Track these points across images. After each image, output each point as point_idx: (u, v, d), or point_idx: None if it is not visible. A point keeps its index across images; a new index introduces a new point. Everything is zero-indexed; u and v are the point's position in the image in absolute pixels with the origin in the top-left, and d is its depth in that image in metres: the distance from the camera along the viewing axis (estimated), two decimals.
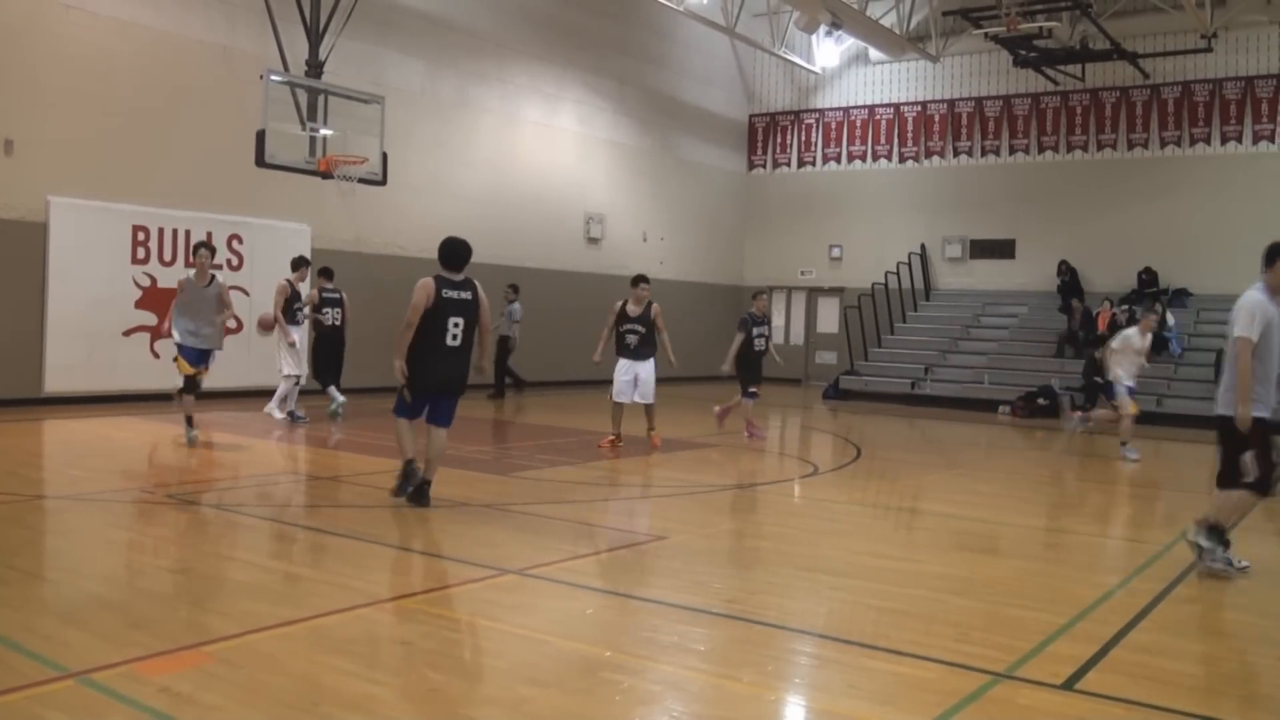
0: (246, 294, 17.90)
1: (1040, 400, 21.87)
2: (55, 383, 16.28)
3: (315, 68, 16.53)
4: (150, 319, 17.24)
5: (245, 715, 4.59)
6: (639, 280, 14.23)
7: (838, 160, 29.71)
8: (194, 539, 8.56)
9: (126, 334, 17.07)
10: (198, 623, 5.93)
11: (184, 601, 6.41)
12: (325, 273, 15.89)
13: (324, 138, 16.19)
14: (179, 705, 4.63)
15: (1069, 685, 5.27)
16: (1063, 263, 25.36)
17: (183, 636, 5.62)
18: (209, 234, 17.59)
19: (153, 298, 17.24)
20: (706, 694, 5.18)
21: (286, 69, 16.20)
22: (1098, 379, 21.15)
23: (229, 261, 17.95)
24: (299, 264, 15.79)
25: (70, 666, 5.05)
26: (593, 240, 25.66)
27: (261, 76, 15.39)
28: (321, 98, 16.25)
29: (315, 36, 16.66)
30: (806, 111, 30.30)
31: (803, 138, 30.35)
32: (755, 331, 15.58)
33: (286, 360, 15.35)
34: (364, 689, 4.97)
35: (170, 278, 17.30)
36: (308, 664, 5.28)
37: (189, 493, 10.14)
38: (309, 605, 6.38)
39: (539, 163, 24.26)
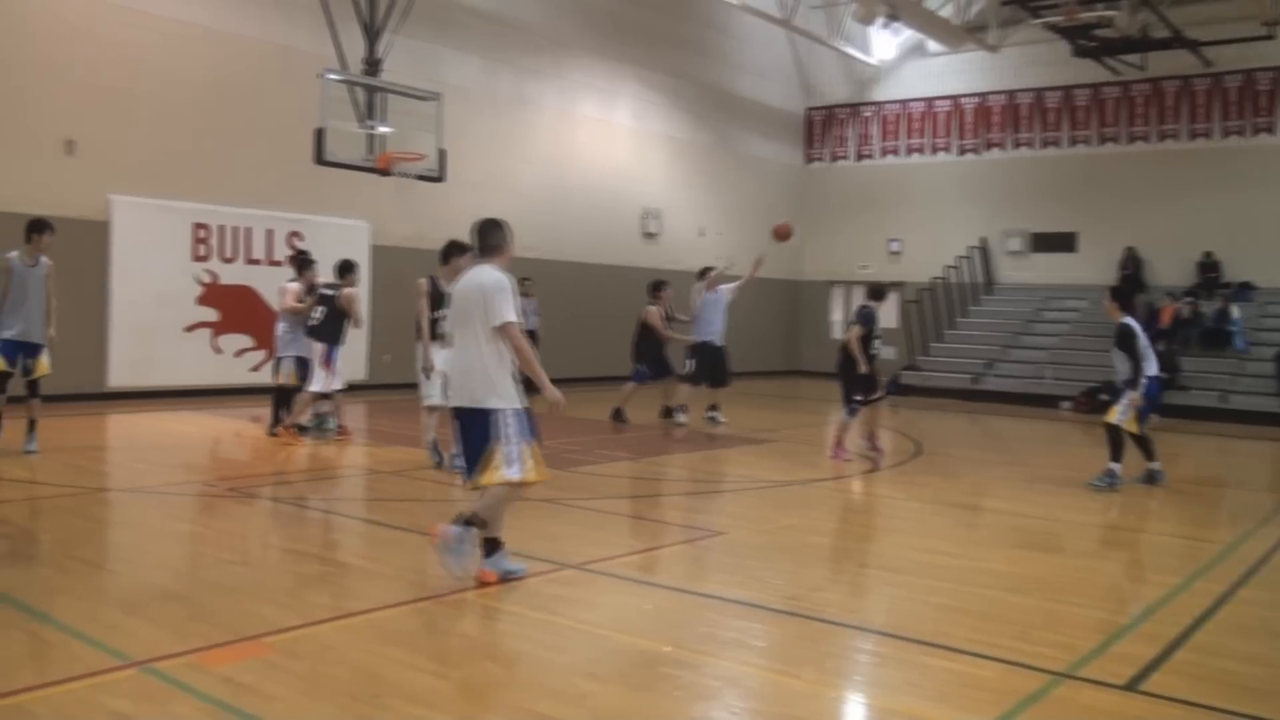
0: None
1: (1102, 396, 21.51)
2: (118, 378, 16.49)
3: (373, 66, 16.63)
4: (211, 315, 17.44)
5: (306, 705, 4.62)
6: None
7: (896, 153, 29.46)
8: (255, 532, 8.66)
9: (188, 330, 17.26)
10: (259, 614, 5.97)
11: (245, 593, 6.46)
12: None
13: (382, 135, 16.28)
14: (241, 695, 4.67)
15: (1132, 686, 5.18)
16: (1127, 254, 25.05)
17: (244, 627, 5.67)
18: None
19: (214, 294, 17.44)
20: (765, 690, 5.15)
21: (344, 67, 16.30)
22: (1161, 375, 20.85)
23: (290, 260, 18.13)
24: (349, 269, 13.66)
25: (133, 656, 5.11)
26: (649, 235, 25.63)
27: (319, 75, 15.50)
28: (379, 95, 16.35)
29: (372, 35, 16.77)
30: (864, 104, 30.08)
31: (861, 131, 30.14)
32: (876, 330, 12.77)
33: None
34: (424, 681, 4.99)
35: (231, 274, 17.55)
36: (368, 655, 5.31)
37: (250, 486, 10.24)
38: (369, 598, 6.42)
39: (595, 158, 24.28)
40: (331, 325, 12.86)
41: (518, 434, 6.59)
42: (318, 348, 12.85)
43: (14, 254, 11.06)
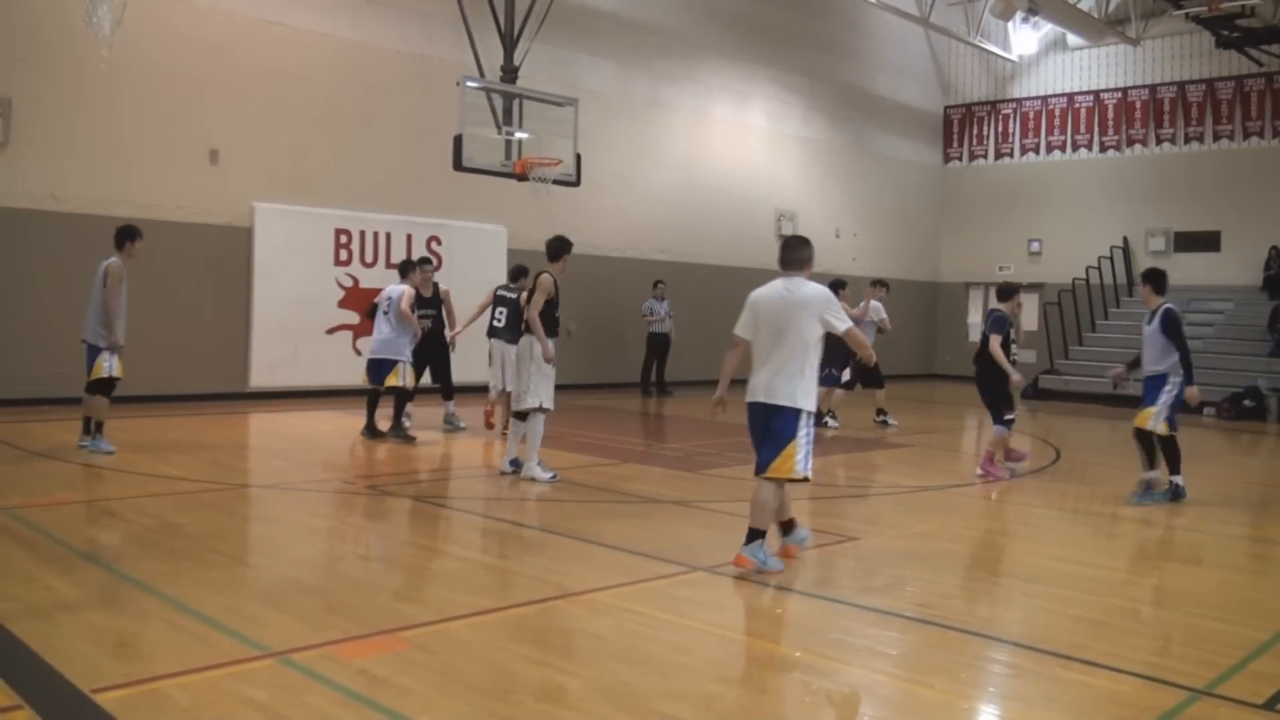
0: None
1: (1246, 402, 20.79)
2: (260, 378, 16.98)
3: (510, 73, 16.84)
4: (352, 318, 17.83)
5: (439, 700, 4.67)
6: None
7: (1036, 151, 28.82)
8: (392, 529, 8.81)
9: (329, 332, 17.69)
10: (394, 609, 6.09)
11: (381, 588, 6.59)
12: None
13: (519, 141, 16.46)
14: (375, 687, 4.75)
15: (1270, 706, 4.96)
16: (1272, 253, 24.14)
17: (380, 621, 5.77)
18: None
19: (355, 298, 17.82)
20: (898, 699, 5.07)
21: (482, 75, 16.52)
22: None
23: None
24: (523, 273, 13.89)
25: (271, 646, 5.24)
26: (784, 237, 25.46)
27: (458, 83, 15.73)
28: (516, 102, 16.52)
29: (509, 42, 16.98)
30: (1003, 101, 29.49)
31: (1000, 128, 29.56)
32: (1012, 335, 12.37)
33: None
34: (555, 679, 5.02)
35: (372, 279, 17.90)
36: (501, 652, 5.37)
37: (388, 484, 10.44)
38: (503, 596, 6.50)
39: (729, 160, 24.22)
40: (516, 326, 13.05)
41: (812, 436, 7.19)
42: (512, 350, 12.92)
43: (114, 259, 11.00)
